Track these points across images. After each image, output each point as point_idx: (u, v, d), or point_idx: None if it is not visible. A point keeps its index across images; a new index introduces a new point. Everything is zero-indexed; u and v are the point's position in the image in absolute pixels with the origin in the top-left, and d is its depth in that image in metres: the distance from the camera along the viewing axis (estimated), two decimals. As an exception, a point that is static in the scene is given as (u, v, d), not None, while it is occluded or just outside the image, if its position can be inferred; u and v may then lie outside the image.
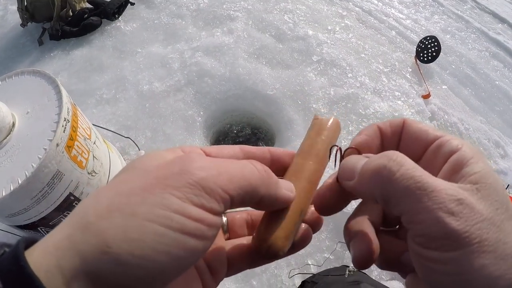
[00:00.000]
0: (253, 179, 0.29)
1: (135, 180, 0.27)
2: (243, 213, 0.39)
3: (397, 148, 0.35)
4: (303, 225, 0.36)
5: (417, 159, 0.32)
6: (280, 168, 0.37)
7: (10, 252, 0.24)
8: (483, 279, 0.25)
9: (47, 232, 1.37)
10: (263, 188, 0.30)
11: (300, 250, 0.36)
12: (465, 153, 0.29)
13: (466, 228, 0.25)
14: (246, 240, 0.37)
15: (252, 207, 0.32)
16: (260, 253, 0.32)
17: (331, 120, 0.39)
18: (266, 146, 2.23)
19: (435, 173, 0.29)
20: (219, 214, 0.27)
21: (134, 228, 0.24)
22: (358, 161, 0.32)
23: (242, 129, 2.34)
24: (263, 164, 0.32)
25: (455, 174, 0.29)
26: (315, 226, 0.37)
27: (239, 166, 0.29)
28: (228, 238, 0.38)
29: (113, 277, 0.24)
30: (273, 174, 0.32)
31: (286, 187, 0.33)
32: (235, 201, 0.28)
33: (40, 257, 0.24)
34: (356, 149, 0.35)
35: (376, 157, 0.30)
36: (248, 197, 0.29)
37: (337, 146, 0.37)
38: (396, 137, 0.35)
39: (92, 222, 0.25)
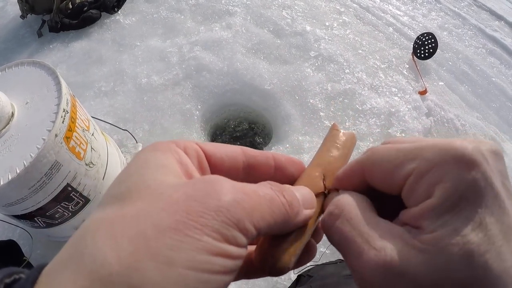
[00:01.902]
0: (279, 213, 0.28)
1: (158, 210, 0.23)
2: None
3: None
4: (311, 241, 0.34)
5: (397, 192, 0.30)
6: (283, 176, 0.35)
7: None
8: None
9: (44, 222, 1.38)
10: (288, 219, 0.29)
11: None
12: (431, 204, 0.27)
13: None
14: None
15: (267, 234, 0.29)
16: (264, 269, 0.30)
17: (350, 135, 0.39)
18: (263, 140, 2.25)
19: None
20: (245, 250, 0.25)
21: (174, 279, 0.21)
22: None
23: (239, 124, 2.35)
24: (279, 184, 0.30)
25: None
26: (317, 236, 0.35)
27: (268, 200, 0.27)
28: None
29: None
30: (293, 199, 0.30)
31: (306, 204, 0.31)
32: (259, 234, 0.26)
33: None
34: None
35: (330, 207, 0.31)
36: (270, 230, 0.27)
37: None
38: (362, 184, 0.33)
39: (116, 273, 0.20)
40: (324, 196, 0.34)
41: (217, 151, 0.31)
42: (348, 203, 0.30)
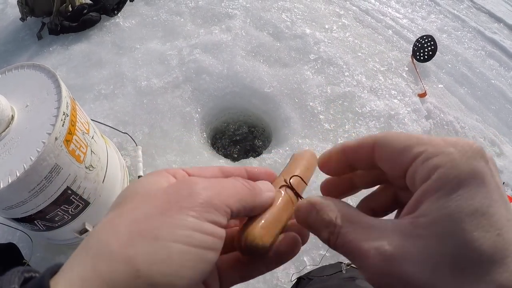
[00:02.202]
0: (244, 193, 0.33)
1: (147, 205, 0.29)
2: None
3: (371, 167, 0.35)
4: (291, 233, 0.37)
5: (402, 174, 0.32)
6: None
7: (36, 283, 0.25)
8: None
9: (44, 225, 1.38)
10: (253, 198, 0.33)
11: None
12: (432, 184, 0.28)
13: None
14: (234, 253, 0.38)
15: (243, 216, 0.34)
16: (240, 247, 0.33)
17: (307, 152, 0.44)
18: (263, 143, 2.25)
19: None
20: (224, 227, 0.30)
21: (160, 250, 0.26)
22: (309, 216, 0.33)
23: (239, 127, 2.35)
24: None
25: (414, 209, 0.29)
26: (302, 235, 0.37)
27: (232, 184, 0.33)
28: None
29: None
30: (255, 184, 0.35)
31: (266, 189, 0.36)
32: (234, 214, 0.31)
33: None
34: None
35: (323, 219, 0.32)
36: (242, 208, 0.32)
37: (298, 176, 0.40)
38: (367, 160, 0.35)
39: (116, 251, 0.26)
40: (287, 187, 0.38)
41: (200, 173, 0.36)
42: (345, 212, 0.32)
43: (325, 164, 0.38)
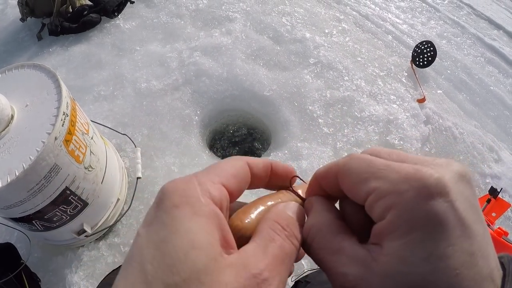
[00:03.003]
0: (293, 256, 0.32)
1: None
2: None
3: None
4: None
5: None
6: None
7: None
8: None
9: (42, 225, 1.38)
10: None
11: None
12: (384, 228, 0.28)
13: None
14: None
15: None
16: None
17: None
18: (262, 146, 2.26)
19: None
20: None
21: None
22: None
23: (238, 129, 2.35)
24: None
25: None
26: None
27: (286, 252, 0.31)
28: None
29: None
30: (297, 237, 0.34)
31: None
32: None
33: None
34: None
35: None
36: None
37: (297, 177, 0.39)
38: (336, 187, 0.35)
39: None
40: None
41: (237, 188, 0.34)
42: (318, 229, 0.33)
43: (308, 193, 0.38)
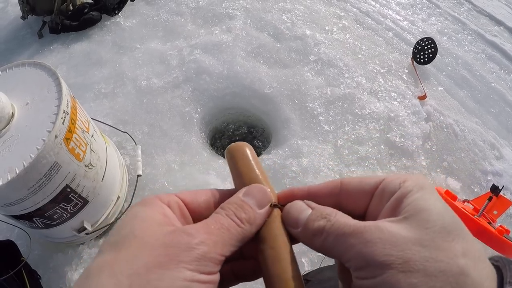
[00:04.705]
0: (237, 233, 0.35)
1: (146, 255, 0.31)
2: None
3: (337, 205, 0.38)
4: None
5: (363, 209, 0.36)
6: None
7: None
8: None
9: (42, 222, 1.38)
10: (246, 235, 0.36)
11: (296, 249, 0.37)
12: (405, 189, 0.32)
13: (384, 252, 0.29)
14: None
15: None
16: None
17: (243, 147, 0.42)
18: (262, 144, 2.25)
19: (381, 215, 0.34)
20: (218, 272, 0.33)
21: None
22: (302, 212, 0.36)
23: (239, 127, 2.36)
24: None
25: (395, 210, 0.32)
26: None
27: (226, 227, 0.34)
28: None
29: None
30: (244, 218, 0.36)
31: (260, 204, 0.38)
32: (229, 257, 0.34)
33: None
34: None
35: (314, 216, 0.35)
36: (237, 247, 0.35)
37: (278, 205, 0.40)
38: (333, 197, 0.38)
39: None
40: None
41: (193, 200, 0.38)
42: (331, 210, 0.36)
43: (286, 199, 0.40)
